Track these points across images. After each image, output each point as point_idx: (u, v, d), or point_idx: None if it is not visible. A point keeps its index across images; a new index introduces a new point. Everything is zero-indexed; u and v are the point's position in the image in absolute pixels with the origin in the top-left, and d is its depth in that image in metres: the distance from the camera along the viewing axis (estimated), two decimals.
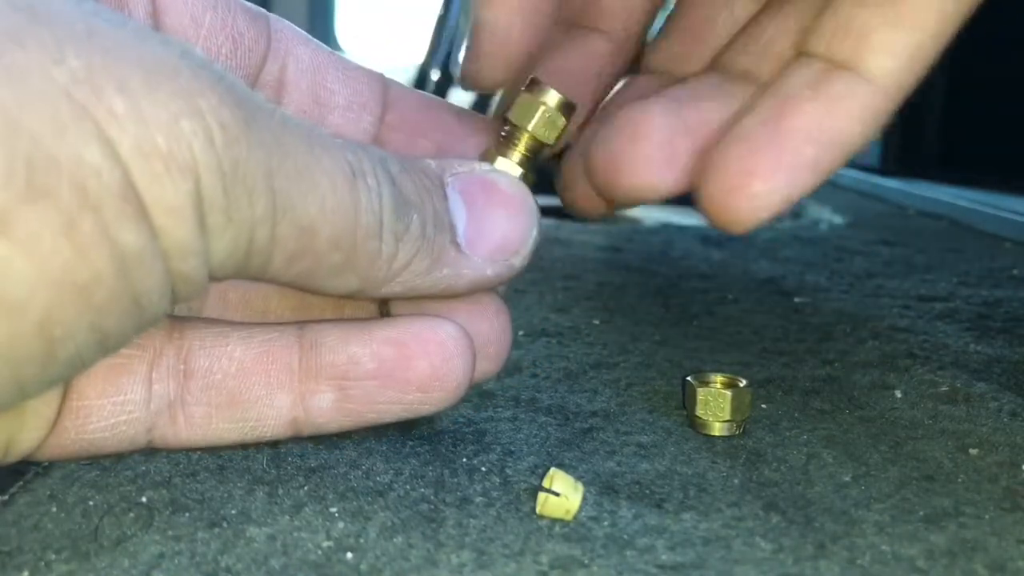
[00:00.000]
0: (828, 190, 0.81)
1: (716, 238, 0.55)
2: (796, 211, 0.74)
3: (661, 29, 0.27)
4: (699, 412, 0.25)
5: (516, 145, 0.24)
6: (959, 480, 0.23)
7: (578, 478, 0.21)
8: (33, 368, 0.16)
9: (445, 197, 0.22)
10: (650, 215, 0.75)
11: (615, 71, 0.27)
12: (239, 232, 0.18)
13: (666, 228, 0.59)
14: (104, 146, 0.15)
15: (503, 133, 0.24)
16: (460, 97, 1.29)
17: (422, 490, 0.21)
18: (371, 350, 0.22)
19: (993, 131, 0.84)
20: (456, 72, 0.24)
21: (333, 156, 0.19)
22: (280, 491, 0.21)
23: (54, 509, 0.20)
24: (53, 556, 0.18)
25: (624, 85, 0.27)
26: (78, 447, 0.21)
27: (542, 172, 0.25)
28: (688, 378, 0.26)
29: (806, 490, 0.22)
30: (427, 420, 0.25)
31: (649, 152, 0.22)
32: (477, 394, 0.28)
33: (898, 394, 0.29)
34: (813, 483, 0.23)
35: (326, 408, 0.22)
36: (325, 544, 0.19)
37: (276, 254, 0.18)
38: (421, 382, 0.22)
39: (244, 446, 0.23)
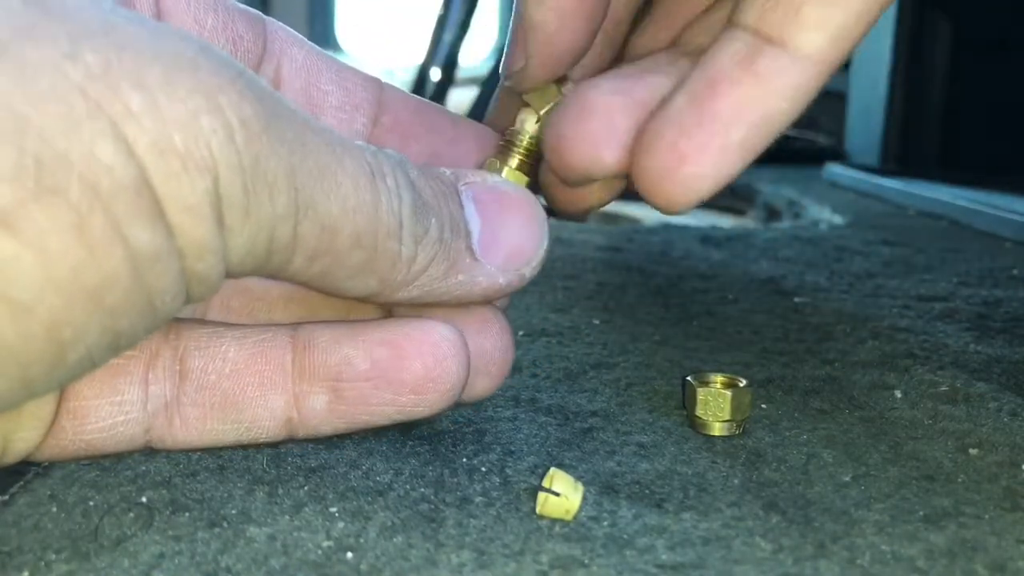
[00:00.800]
0: (828, 190, 0.81)
1: (716, 238, 0.55)
2: (796, 211, 0.74)
3: (640, 18, 0.27)
4: (699, 412, 0.25)
5: (517, 153, 0.24)
6: (959, 480, 0.23)
7: (578, 478, 0.21)
8: (42, 369, 0.16)
9: (461, 204, 0.22)
10: (650, 215, 0.74)
11: (602, 64, 0.27)
12: (259, 229, 0.17)
13: (666, 228, 0.59)
14: (118, 143, 0.15)
15: (501, 142, 0.24)
16: (460, 98, 1.29)
17: (422, 490, 0.21)
18: (364, 351, 0.22)
19: (993, 131, 0.84)
20: (502, 70, 0.24)
21: (354, 156, 0.19)
22: (280, 491, 0.21)
23: (54, 509, 0.20)
24: (53, 556, 0.18)
25: (602, 76, 0.27)
26: (76, 447, 0.21)
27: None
28: (688, 378, 0.26)
29: (806, 490, 0.22)
30: (427, 420, 0.25)
31: (593, 127, 0.22)
32: None
33: (898, 394, 0.29)
34: (813, 483, 0.23)
35: (320, 409, 0.22)
36: (325, 544, 0.19)
37: (297, 252, 0.19)
38: (415, 383, 0.22)
39: (244, 446, 0.23)
